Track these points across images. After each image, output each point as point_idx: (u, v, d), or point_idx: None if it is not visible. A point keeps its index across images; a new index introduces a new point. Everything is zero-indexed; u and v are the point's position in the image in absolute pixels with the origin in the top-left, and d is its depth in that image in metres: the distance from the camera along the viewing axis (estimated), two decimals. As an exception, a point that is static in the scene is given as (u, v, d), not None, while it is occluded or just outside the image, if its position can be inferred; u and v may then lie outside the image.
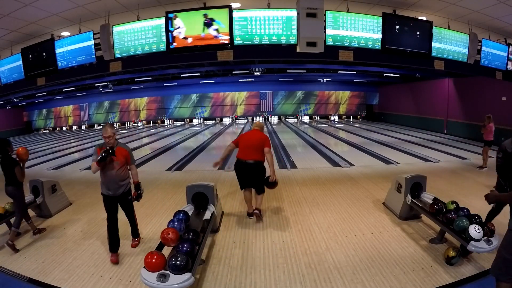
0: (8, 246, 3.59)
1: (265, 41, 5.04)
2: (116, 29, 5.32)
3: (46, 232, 4.16)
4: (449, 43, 6.06)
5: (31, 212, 4.66)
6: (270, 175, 4.14)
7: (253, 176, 4.25)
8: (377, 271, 3.02)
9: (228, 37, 4.91)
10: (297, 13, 4.83)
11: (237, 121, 22.39)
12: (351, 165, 7.66)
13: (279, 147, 10.79)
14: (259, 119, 21.42)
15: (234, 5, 5.31)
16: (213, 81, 19.38)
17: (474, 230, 2.92)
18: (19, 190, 3.87)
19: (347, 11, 5.22)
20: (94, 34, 5.44)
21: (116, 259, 3.31)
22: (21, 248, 3.72)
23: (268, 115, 22.31)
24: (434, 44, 5.77)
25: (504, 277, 2.26)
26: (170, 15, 4.93)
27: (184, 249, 2.61)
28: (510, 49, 6.93)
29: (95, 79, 14.00)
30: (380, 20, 5.27)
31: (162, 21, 5.08)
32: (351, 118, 22.79)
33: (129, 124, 23.57)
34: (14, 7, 4.87)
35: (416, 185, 4.20)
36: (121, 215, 3.56)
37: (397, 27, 5.36)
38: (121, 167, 3.41)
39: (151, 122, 23.34)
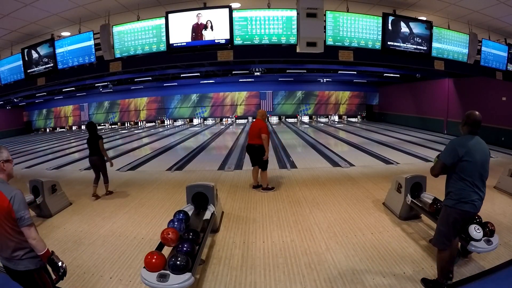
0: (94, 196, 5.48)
1: (265, 41, 5.04)
2: (116, 29, 5.32)
3: (46, 232, 4.15)
4: (449, 43, 6.06)
5: (31, 212, 4.67)
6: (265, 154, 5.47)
7: (255, 156, 5.59)
8: (377, 271, 3.02)
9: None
10: (297, 13, 4.84)
11: (237, 121, 22.39)
12: (351, 165, 7.66)
13: (279, 147, 10.80)
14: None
15: (234, 5, 5.32)
16: (213, 81, 19.38)
17: (474, 230, 2.91)
18: (102, 159, 5.58)
19: (347, 11, 5.22)
20: (94, 34, 5.44)
21: None
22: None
23: (268, 115, 22.30)
24: (434, 44, 5.77)
25: (443, 246, 2.67)
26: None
27: (184, 249, 2.61)
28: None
29: (95, 79, 14.00)
30: (380, 20, 5.28)
31: (162, 21, 5.08)
32: (351, 118, 22.80)
33: (129, 124, 23.59)
34: (14, 7, 4.87)
35: (416, 185, 4.20)
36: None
37: (397, 27, 5.36)
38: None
39: (152, 122, 23.35)
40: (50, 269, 2.07)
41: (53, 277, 2.08)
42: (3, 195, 1.93)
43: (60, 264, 2.06)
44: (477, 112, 2.59)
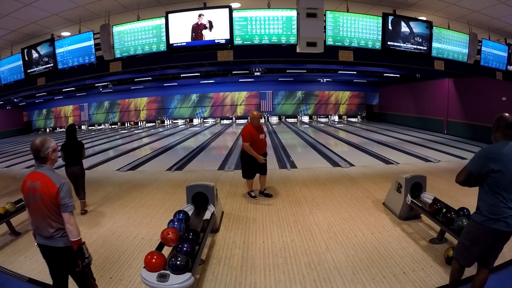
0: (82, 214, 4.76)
1: (265, 41, 5.04)
2: (116, 29, 5.32)
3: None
4: (449, 43, 6.06)
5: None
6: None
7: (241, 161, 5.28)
8: (377, 271, 3.02)
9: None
10: (297, 13, 4.84)
11: (237, 121, 22.39)
12: (351, 165, 7.66)
13: (279, 147, 10.80)
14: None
15: (234, 5, 5.32)
16: (213, 81, 19.37)
17: (474, 230, 2.91)
18: (83, 169, 4.97)
19: (347, 11, 5.22)
20: (94, 34, 5.44)
21: None
22: (21, 248, 3.73)
23: (268, 115, 22.30)
24: (434, 44, 5.77)
25: (464, 261, 2.49)
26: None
27: (184, 249, 2.61)
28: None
29: (95, 79, 14.00)
30: (380, 20, 5.28)
31: (162, 21, 5.09)
32: (351, 118, 22.79)
33: (129, 124, 23.59)
34: (14, 7, 4.87)
35: (416, 185, 4.20)
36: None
37: (397, 26, 5.36)
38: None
39: (152, 122, 23.35)
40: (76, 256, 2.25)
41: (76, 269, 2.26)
42: (52, 182, 2.15)
43: (87, 255, 2.27)
44: (507, 114, 2.32)
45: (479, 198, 2.38)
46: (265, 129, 5.48)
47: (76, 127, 5.31)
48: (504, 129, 2.27)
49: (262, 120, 21.53)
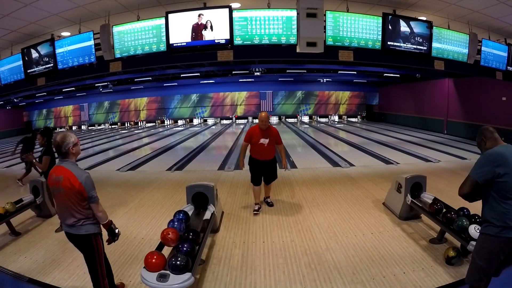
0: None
1: (265, 41, 5.04)
2: (116, 29, 5.33)
3: (46, 232, 4.15)
4: (449, 43, 6.06)
5: (31, 213, 4.67)
6: None
7: None
8: (377, 271, 3.02)
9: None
10: (297, 13, 4.84)
11: (237, 121, 22.39)
12: (351, 165, 7.66)
13: (279, 147, 10.78)
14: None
15: (234, 5, 5.32)
16: (213, 81, 19.37)
17: (474, 230, 2.91)
18: None
19: (347, 11, 5.22)
20: (94, 34, 5.45)
21: None
22: (21, 248, 3.73)
23: (268, 115, 22.26)
24: (434, 44, 5.78)
25: (479, 283, 2.24)
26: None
27: (184, 249, 2.61)
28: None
29: (95, 79, 13.99)
30: (380, 20, 5.28)
31: (162, 21, 5.09)
32: (351, 118, 22.79)
33: (129, 124, 23.60)
34: (14, 7, 4.87)
35: (416, 185, 4.20)
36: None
37: (397, 26, 5.36)
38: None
39: (152, 122, 23.35)
40: (106, 234, 2.53)
41: (107, 240, 2.53)
42: (75, 177, 2.29)
43: (116, 231, 2.56)
44: (486, 126, 2.35)
45: (488, 210, 2.19)
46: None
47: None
48: (492, 136, 2.25)
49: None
